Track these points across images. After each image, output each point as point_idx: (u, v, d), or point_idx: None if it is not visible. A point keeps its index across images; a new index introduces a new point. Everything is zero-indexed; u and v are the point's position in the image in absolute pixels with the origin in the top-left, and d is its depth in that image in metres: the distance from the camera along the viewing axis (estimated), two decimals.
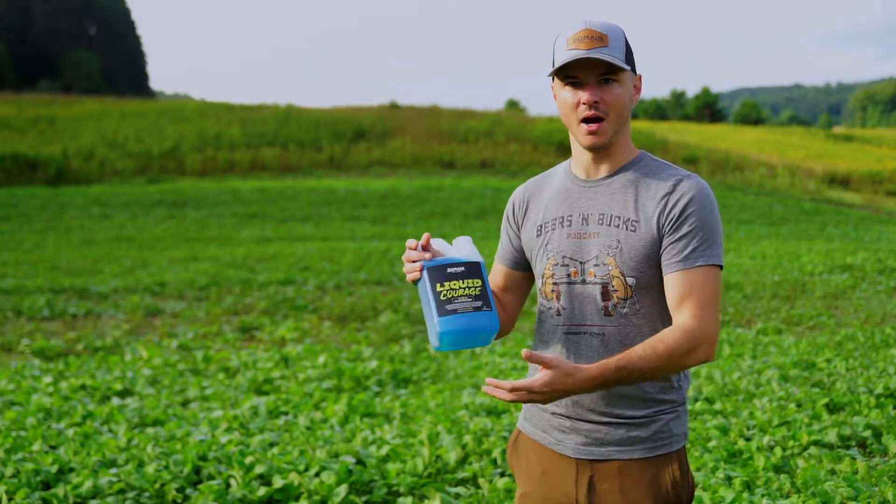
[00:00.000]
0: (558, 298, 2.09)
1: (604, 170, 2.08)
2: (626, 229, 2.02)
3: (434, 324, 1.94)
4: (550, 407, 2.10)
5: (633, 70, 2.05)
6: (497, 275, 2.25)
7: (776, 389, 5.95)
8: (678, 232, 1.99)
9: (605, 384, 1.92)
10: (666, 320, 2.04)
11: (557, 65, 2.00)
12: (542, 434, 2.13)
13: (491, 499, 4.09)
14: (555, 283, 2.09)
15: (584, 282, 2.05)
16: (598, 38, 1.98)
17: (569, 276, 2.07)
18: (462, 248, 2.02)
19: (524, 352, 1.86)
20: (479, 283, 1.96)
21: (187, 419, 5.65)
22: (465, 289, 1.95)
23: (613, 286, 2.02)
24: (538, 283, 2.14)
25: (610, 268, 2.02)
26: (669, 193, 2.01)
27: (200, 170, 32.70)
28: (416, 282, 2.01)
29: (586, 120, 2.01)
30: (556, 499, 2.10)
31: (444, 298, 1.93)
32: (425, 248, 2.02)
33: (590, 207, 2.07)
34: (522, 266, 2.21)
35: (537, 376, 1.88)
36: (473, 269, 1.98)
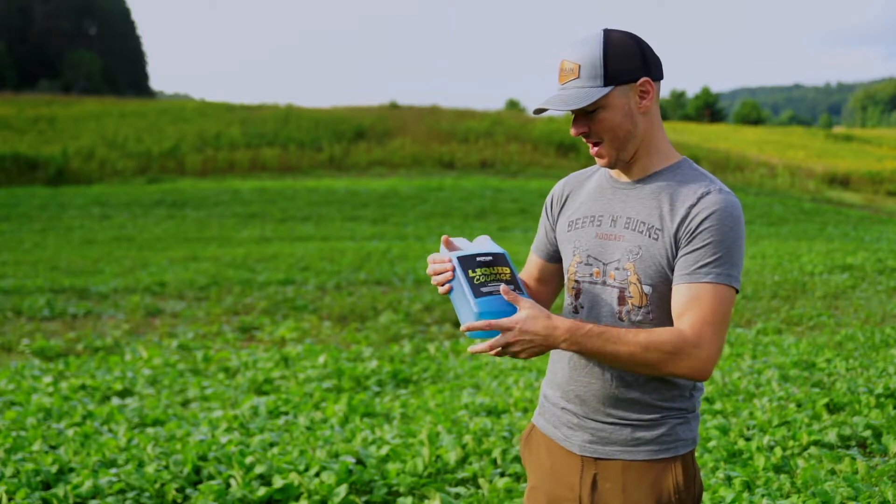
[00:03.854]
0: (577, 297, 2.10)
1: (635, 173, 2.07)
2: (649, 236, 2.00)
3: (471, 306, 1.95)
4: (561, 402, 2.12)
5: (631, 79, 1.98)
6: (532, 266, 2.28)
7: (776, 389, 5.95)
8: (692, 245, 1.96)
9: (575, 343, 1.92)
10: None
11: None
12: (552, 429, 2.15)
13: (491, 499, 4.09)
14: (576, 281, 2.10)
15: (604, 283, 2.05)
16: (570, 70, 1.98)
17: (591, 275, 2.07)
18: (484, 244, 2.06)
19: (502, 287, 1.93)
20: (508, 271, 2.01)
21: (187, 419, 5.65)
22: (496, 274, 1.99)
23: (630, 292, 2.02)
24: (565, 278, 2.16)
25: (628, 273, 2.02)
26: (693, 205, 1.97)
27: (200, 170, 32.70)
28: (446, 291, 2.02)
29: (590, 144, 2.05)
30: (562, 494, 2.11)
31: (478, 283, 1.97)
32: (447, 245, 2.05)
33: (620, 210, 2.06)
34: (556, 258, 2.23)
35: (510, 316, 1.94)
36: (501, 259, 2.02)
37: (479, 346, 1.94)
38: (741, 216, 1.98)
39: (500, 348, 1.92)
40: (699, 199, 1.97)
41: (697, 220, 1.96)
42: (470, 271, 1.97)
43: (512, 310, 1.95)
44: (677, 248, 1.97)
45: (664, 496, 2.02)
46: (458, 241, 2.08)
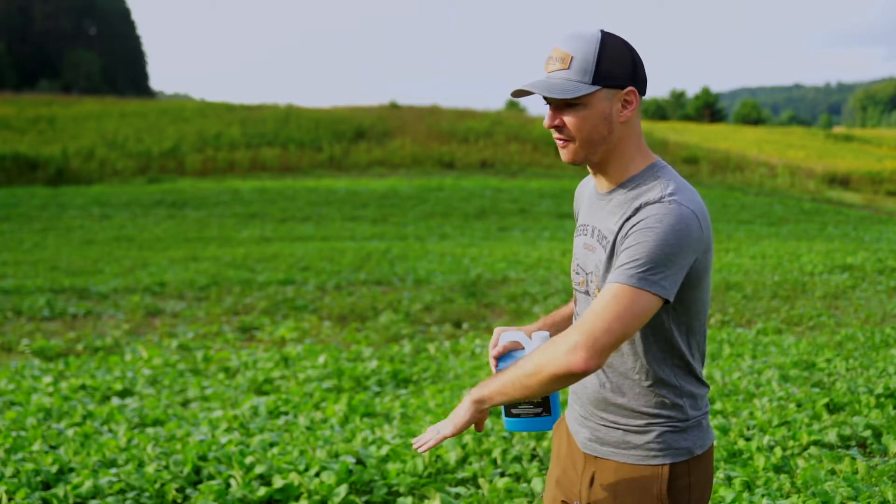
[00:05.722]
0: (576, 304, 2.14)
1: (605, 184, 2.05)
2: (603, 248, 2.00)
3: (503, 416, 2.15)
4: (573, 397, 2.17)
5: (619, 85, 1.94)
6: None
7: (776, 389, 5.95)
8: (622, 247, 1.92)
9: (479, 390, 1.98)
10: (651, 342, 1.98)
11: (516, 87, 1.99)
12: (570, 422, 2.19)
13: (491, 499, 4.09)
14: (574, 289, 2.13)
15: (587, 293, 2.07)
16: (559, 59, 1.94)
17: (578, 283, 2.10)
18: (535, 347, 2.11)
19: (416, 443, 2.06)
20: None
21: (187, 419, 5.65)
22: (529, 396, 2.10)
23: None
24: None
25: (594, 286, 2.02)
26: (633, 214, 1.93)
27: (200, 170, 32.71)
28: None
29: (556, 138, 2.01)
30: (568, 486, 2.15)
31: (511, 403, 2.08)
32: (501, 351, 2.14)
33: (596, 221, 2.06)
34: None
35: None
36: None
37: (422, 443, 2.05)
38: (683, 223, 1.87)
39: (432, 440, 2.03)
40: (640, 207, 1.92)
41: (630, 226, 1.91)
42: None
43: (536, 426, 2.13)
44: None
45: (647, 503, 2.00)
46: (514, 336, 2.14)
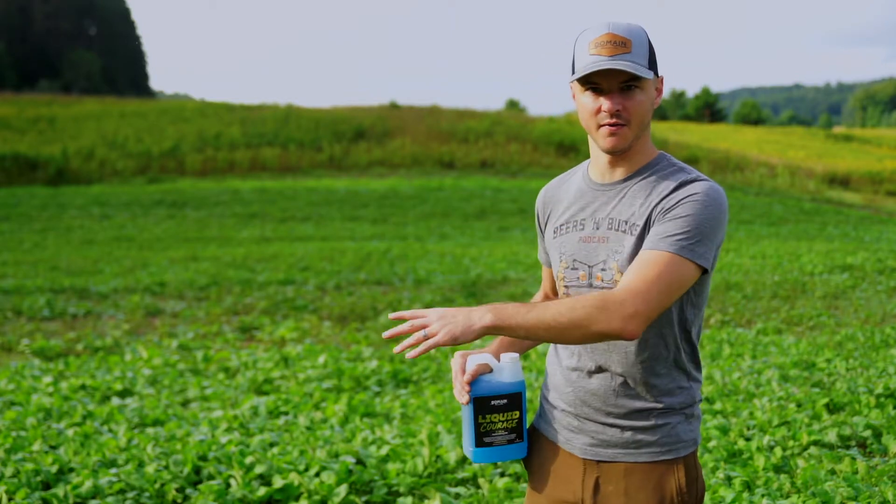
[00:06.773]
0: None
1: (619, 173, 2.05)
2: (629, 233, 1.99)
3: (470, 447, 2.06)
4: (560, 405, 2.11)
5: (656, 73, 2.01)
6: (545, 278, 2.32)
7: (776, 389, 5.95)
8: (664, 219, 1.94)
9: (497, 314, 1.84)
10: (672, 325, 2.00)
11: (579, 72, 1.96)
12: (553, 432, 2.14)
13: (491, 499, 4.09)
14: (566, 286, 2.09)
15: (590, 286, 2.04)
16: (620, 43, 1.94)
17: (577, 279, 2.07)
18: (506, 370, 2.06)
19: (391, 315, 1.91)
20: (517, 415, 2.07)
21: (187, 419, 5.65)
22: (503, 421, 2.06)
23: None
24: (557, 284, 2.15)
25: (613, 272, 2.01)
26: (672, 192, 1.96)
27: (200, 170, 32.72)
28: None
29: (607, 124, 1.99)
30: (564, 497, 2.10)
31: (484, 430, 2.06)
32: (474, 375, 2.04)
33: (602, 211, 2.05)
34: None
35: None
36: (515, 401, 2.06)
37: (400, 328, 1.86)
38: (722, 201, 1.96)
39: (420, 331, 1.84)
40: (679, 185, 1.97)
41: (674, 201, 1.95)
42: (480, 417, 2.04)
43: (508, 454, 2.06)
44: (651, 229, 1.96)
45: (667, 498, 2.00)
46: (481, 358, 2.05)
